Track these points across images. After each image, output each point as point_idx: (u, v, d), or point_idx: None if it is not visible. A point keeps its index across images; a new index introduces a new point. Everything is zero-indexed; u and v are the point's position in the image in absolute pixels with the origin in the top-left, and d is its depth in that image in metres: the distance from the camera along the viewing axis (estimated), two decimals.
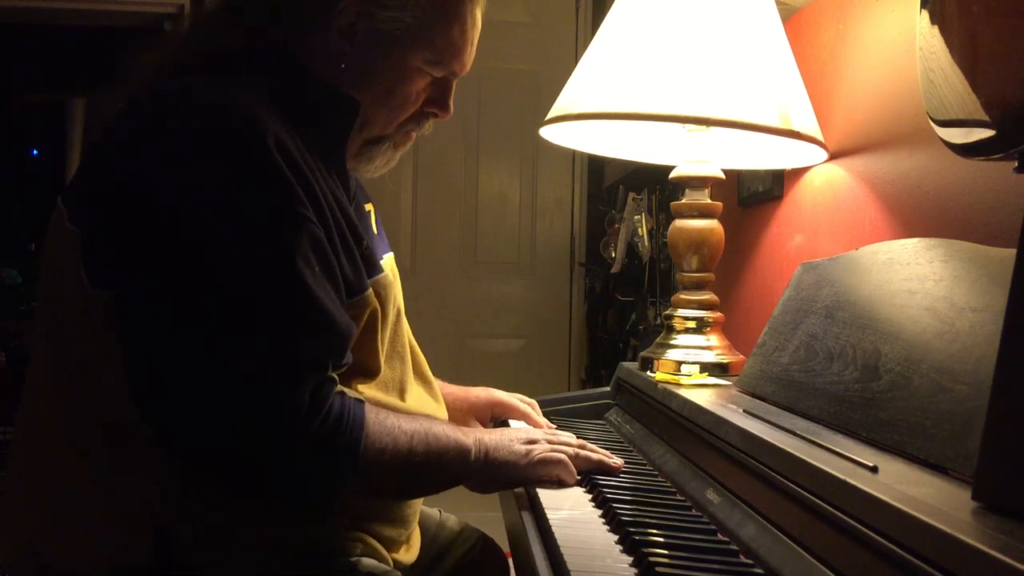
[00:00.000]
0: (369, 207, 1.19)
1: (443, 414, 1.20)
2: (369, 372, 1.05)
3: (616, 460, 1.12)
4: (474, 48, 1.11)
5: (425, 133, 1.14)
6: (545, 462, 1.06)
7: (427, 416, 1.06)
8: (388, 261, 1.16)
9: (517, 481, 1.08)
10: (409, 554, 1.14)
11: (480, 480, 1.05)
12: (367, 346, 1.03)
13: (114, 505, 0.93)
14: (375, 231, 1.18)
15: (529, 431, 1.13)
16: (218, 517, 0.94)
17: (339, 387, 0.95)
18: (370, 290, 1.01)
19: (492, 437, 1.05)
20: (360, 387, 1.03)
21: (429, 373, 1.21)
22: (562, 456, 1.07)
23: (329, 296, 0.93)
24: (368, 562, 1.03)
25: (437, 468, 1.00)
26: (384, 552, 1.07)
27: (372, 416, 0.95)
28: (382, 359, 1.06)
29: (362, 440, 0.92)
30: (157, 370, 0.90)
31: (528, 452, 1.06)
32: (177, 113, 0.93)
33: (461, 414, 1.38)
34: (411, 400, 1.11)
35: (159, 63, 1.03)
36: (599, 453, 1.12)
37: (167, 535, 0.92)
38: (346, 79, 1.03)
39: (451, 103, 1.12)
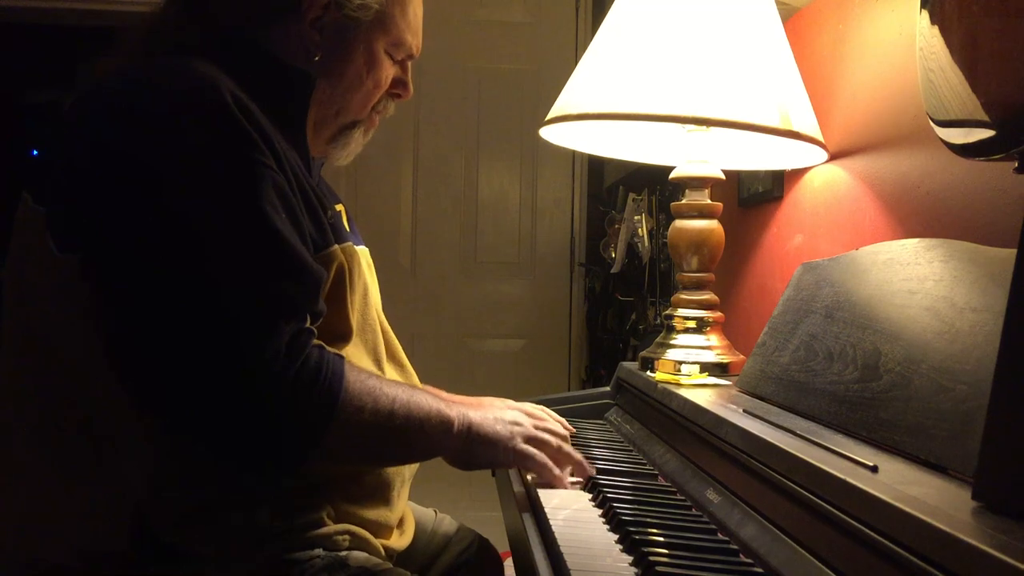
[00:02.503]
0: (339, 208, 1.20)
1: None
2: (341, 333, 1.05)
3: (591, 468, 1.11)
4: (421, 26, 1.19)
5: (388, 114, 1.21)
6: (525, 456, 1.05)
7: (412, 385, 1.06)
8: (362, 251, 1.17)
9: (495, 463, 1.08)
10: (403, 539, 1.13)
11: (459, 455, 1.04)
12: (336, 303, 1.04)
13: (90, 492, 0.92)
14: (347, 229, 1.18)
15: (515, 413, 1.10)
16: (196, 503, 0.94)
17: (318, 341, 0.94)
18: (335, 246, 1.03)
19: (477, 413, 1.04)
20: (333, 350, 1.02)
21: (404, 359, 1.21)
22: (543, 456, 1.06)
23: (296, 240, 0.94)
24: (358, 555, 1.02)
25: (417, 435, 0.99)
26: (374, 541, 1.06)
27: (353, 373, 0.94)
28: (353, 323, 1.06)
29: (341, 394, 0.92)
30: (130, 324, 0.90)
31: (511, 436, 1.05)
32: (136, 83, 0.95)
33: None
34: (387, 375, 1.11)
35: (120, 60, 1.04)
36: (578, 455, 1.11)
37: (144, 522, 0.92)
38: (320, 68, 1.08)
39: (410, 82, 1.20)
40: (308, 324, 0.95)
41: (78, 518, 0.93)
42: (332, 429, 0.92)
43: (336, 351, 0.97)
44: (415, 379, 1.21)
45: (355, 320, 1.07)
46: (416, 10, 1.16)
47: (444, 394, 1.37)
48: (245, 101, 0.94)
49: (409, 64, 1.19)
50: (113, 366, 0.91)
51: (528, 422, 1.09)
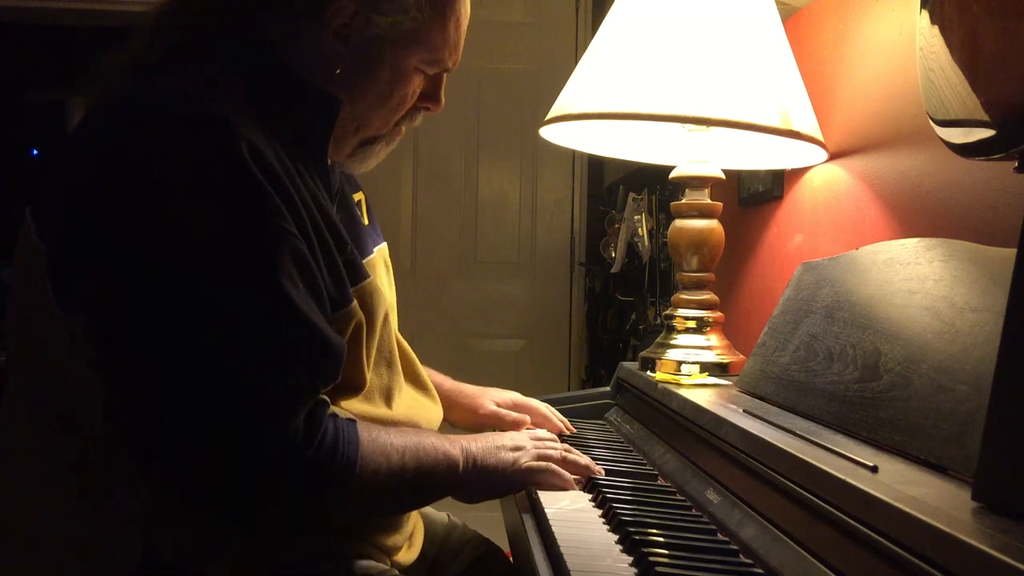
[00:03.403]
0: (359, 196, 1.17)
1: (437, 412, 1.18)
2: (355, 387, 1.01)
3: (599, 468, 1.11)
4: (464, 39, 1.08)
5: (415, 125, 1.12)
6: (533, 471, 1.05)
7: (415, 429, 1.04)
8: (380, 252, 1.14)
9: (507, 490, 1.07)
10: (410, 553, 1.13)
11: (469, 490, 1.04)
12: (352, 361, 0.98)
13: (100, 522, 0.90)
14: (365, 221, 1.16)
15: (514, 436, 1.10)
16: (206, 526, 0.92)
17: (331, 409, 0.92)
18: (354, 302, 0.97)
19: (478, 445, 1.03)
20: (344, 403, 1.00)
21: (421, 371, 1.18)
22: (551, 465, 1.06)
23: (316, 314, 0.89)
24: (364, 563, 1.02)
25: (428, 482, 0.98)
26: (382, 555, 1.06)
27: (366, 435, 0.93)
28: (368, 371, 1.03)
29: (357, 463, 0.90)
30: (142, 405, 0.86)
31: (516, 460, 1.05)
32: (149, 124, 0.88)
33: (482, 400, 1.37)
34: (399, 406, 1.09)
35: (133, 61, 0.98)
36: (584, 459, 1.11)
37: (155, 547, 0.90)
38: (342, 82, 1.00)
39: (443, 96, 1.10)
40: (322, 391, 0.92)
41: (87, 547, 0.91)
42: (351, 497, 0.92)
43: (343, 406, 0.97)
44: (431, 388, 1.19)
45: (369, 366, 1.03)
46: (460, 22, 1.05)
47: (465, 387, 1.35)
48: (262, 149, 0.88)
49: (444, 77, 1.09)
50: (123, 440, 0.87)
51: (530, 443, 1.09)
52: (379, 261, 1.12)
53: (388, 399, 1.08)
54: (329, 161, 1.06)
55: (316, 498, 0.91)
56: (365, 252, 1.09)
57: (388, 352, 1.09)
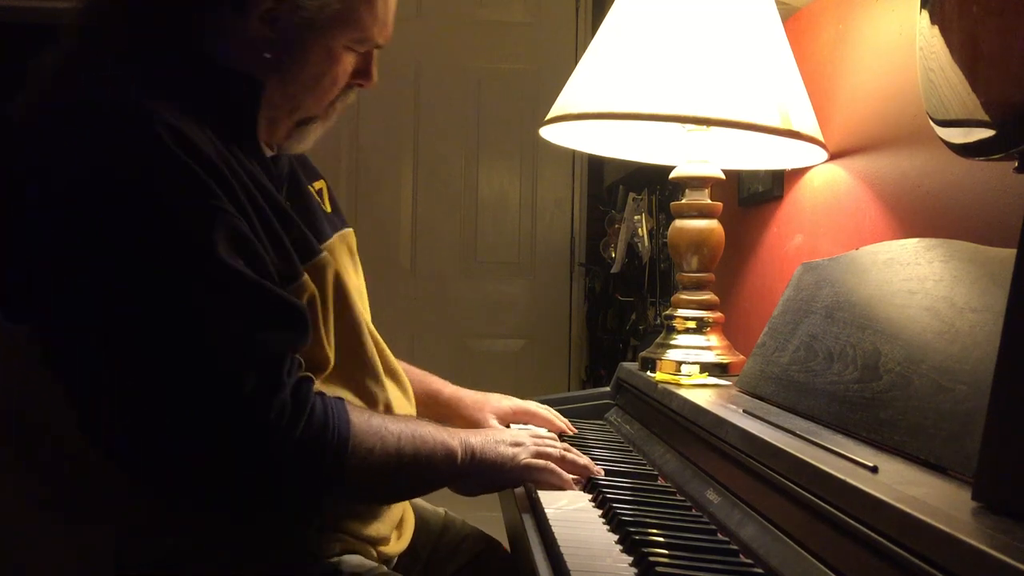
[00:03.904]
0: (320, 185, 1.17)
1: (411, 409, 1.17)
2: (317, 363, 0.99)
3: (598, 468, 1.11)
4: (394, 13, 1.08)
5: (349, 102, 1.11)
6: (531, 468, 1.05)
7: (411, 417, 1.04)
8: (340, 236, 1.13)
9: (504, 484, 1.07)
10: (399, 543, 1.12)
11: (467, 483, 1.03)
12: (312, 336, 0.97)
13: (72, 534, 0.90)
14: (327, 209, 1.16)
15: (515, 433, 1.11)
16: (187, 523, 0.92)
17: (317, 388, 0.92)
18: (305, 276, 0.97)
19: (478, 439, 1.04)
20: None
21: (395, 363, 1.17)
22: (549, 464, 1.06)
23: (266, 280, 0.89)
24: (351, 559, 1.01)
25: (425, 470, 0.98)
26: (370, 550, 1.05)
27: (357, 416, 0.93)
28: (329, 348, 1.01)
29: (349, 441, 0.90)
30: (120, 412, 0.86)
31: (515, 455, 1.05)
32: (74, 127, 0.89)
33: (483, 415, 1.36)
34: (386, 391, 1.09)
35: (60, 61, 0.98)
36: (583, 458, 1.11)
37: (128, 558, 0.89)
38: (273, 66, 1.00)
39: (375, 72, 1.09)
40: (304, 369, 0.92)
41: (58, 569, 0.91)
42: (344, 477, 0.91)
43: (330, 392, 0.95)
44: (406, 384, 1.18)
45: (330, 345, 1.02)
46: (387, 1, 1.06)
47: (465, 394, 1.35)
48: (186, 132, 0.88)
49: (375, 52, 1.08)
50: (95, 443, 0.87)
51: (529, 440, 1.09)
52: (339, 246, 1.11)
53: (359, 390, 1.06)
54: (273, 149, 1.06)
55: (307, 478, 0.89)
56: (322, 236, 1.08)
57: (358, 344, 1.07)
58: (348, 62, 1.05)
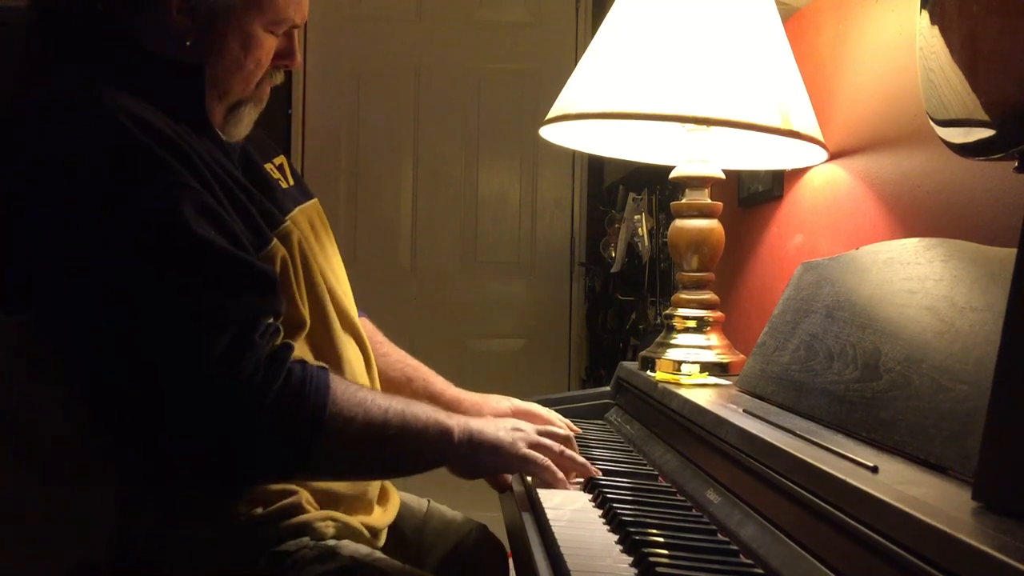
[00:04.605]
0: (279, 160, 1.20)
1: (366, 371, 1.19)
2: (294, 323, 1.04)
3: (596, 469, 1.11)
4: None
5: (277, 83, 1.16)
6: (528, 459, 1.05)
7: (409, 398, 1.06)
8: (302, 210, 1.16)
9: (500, 469, 1.08)
10: (386, 515, 1.13)
11: (462, 463, 1.04)
12: (286, 298, 1.03)
13: (68, 509, 0.93)
14: (290, 182, 1.19)
15: (517, 421, 1.11)
16: (177, 504, 0.95)
17: (298, 354, 0.94)
18: (275, 241, 1.03)
19: (478, 421, 1.05)
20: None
21: (358, 326, 1.19)
22: (546, 460, 1.06)
23: (235, 247, 0.94)
24: (347, 544, 1.02)
25: (416, 446, 0.99)
26: (357, 525, 1.06)
27: (340, 385, 0.94)
28: (304, 309, 1.06)
29: (327, 407, 0.91)
30: (101, 373, 0.90)
31: (514, 441, 1.05)
32: (43, 122, 0.94)
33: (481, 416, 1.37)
34: (344, 351, 1.11)
35: (16, 61, 1.05)
36: (581, 458, 1.11)
37: (125, 529, 0.92)
38: (194, 54, 1.04)
39: (297, 50, 1.14)
40: (282, 335, 0.95)
41: (61, 534, 0.93)
42: (320, 443, 0.92)
43: (291, 341, 0.98)
44: (370, 352, 1.21)
45: (306, 307, 1.07)
46: None
47: (465, 395, 1.36)
48: (146, 117, 0.94)
49: (295, 32, 1.13)
50: (94, 411, 0.92)
51: (530, 428, 1.09)
52: (301, 218, 1.15)
53: (329, 341, 1.10)
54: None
55: (284, 438, 0.91)
56: (284, 210, 1.11)
57: (317, 299, 1.11)
58: (269, 44, 1.09)
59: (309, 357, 1.04)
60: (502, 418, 1.12)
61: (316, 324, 1.09)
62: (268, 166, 1.16)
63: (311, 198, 1.21)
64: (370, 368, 1.20)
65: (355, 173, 3.39)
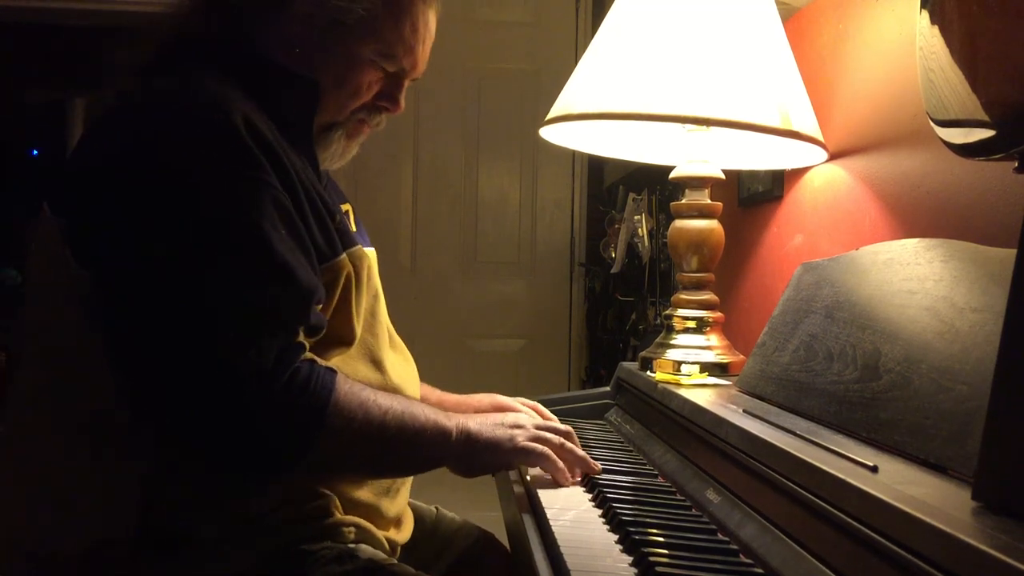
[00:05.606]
0: (346, 207, 1.21)
1: (413, 374, 1.21)
2: (342, 339, 1.07)
3: (596, 464, 1.11)
4: (426, 50, 1.16)
5: (378, 128, 1.18)
6: (528, 452, 1.06)
7: (409, 398, 1.07)
8: (371, 253, 1.18)
9: (499, 465, 1.09)
10: (401, 535, 1.15)
11: (461, 462, 1.05)
12: (343, 313, 1.06)
13: (99, 482, 0.95)
14: (353, 229, 1.20)
15: (517, 417, 1.12)
16: (203, 489, 0.97)
17: (310, 355, 0.96)
18: (344, 255, 1.05)
19: (476, 420, 1.06)
20: (336, 359, 1.04)
21: (396, 337, 1.22)
22: (546, 450, 1.07)
23: (293, 253, 0.95)
24: (366, 548, 1.03)
25: (413, 446, 1.01)
26: (378, 534, 1.07)
27: (344, 385, 0.96)
28: (358, 326, 1.08)
29: (329, 405, 0.94)
30: (130, 333, 0.93)
31: (512, 437, 1.06)
32: (155, 109, 1.00)
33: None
34: (390, 370, 1.13)
35: (140, 60, 1.08)
36: (582, 451, 1.12)
37: (153, 508, 0.95)
38: (300, 63, 1.08)
39: (401, 100, 1.17)
40: (301, 336, 0.97)
41: (88, 506, 0.96)
42: (321, 438, 0.94)
43: (329, 363, 1.00)
44: (410, 358, 1.23)
45: (360, 325, 1.09)
46: (416, 27, 1.12)
47: (447, 396, 1.38)
48: (255, 121, 0.97)
49: (405, 82, 1.16)
50: (116, 374, 0.94)
51: (530, 423, 1.10)
52: (370, 254, 1.17)
53: (376, 363, 1.12)
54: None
55: (286, 431, 0.93)
56: (358, 242, 1.14)
57: (379, 328, 1.15)
58: (373, 75, 1.12)
59: (364, 369, 1.08)
60: (502, 414, 1.12)
61: (367, 339, 1.12)
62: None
63: (371, 247, 1.23)
64: (411, 368, 1.22)
65: (355, 173, 3.39)
